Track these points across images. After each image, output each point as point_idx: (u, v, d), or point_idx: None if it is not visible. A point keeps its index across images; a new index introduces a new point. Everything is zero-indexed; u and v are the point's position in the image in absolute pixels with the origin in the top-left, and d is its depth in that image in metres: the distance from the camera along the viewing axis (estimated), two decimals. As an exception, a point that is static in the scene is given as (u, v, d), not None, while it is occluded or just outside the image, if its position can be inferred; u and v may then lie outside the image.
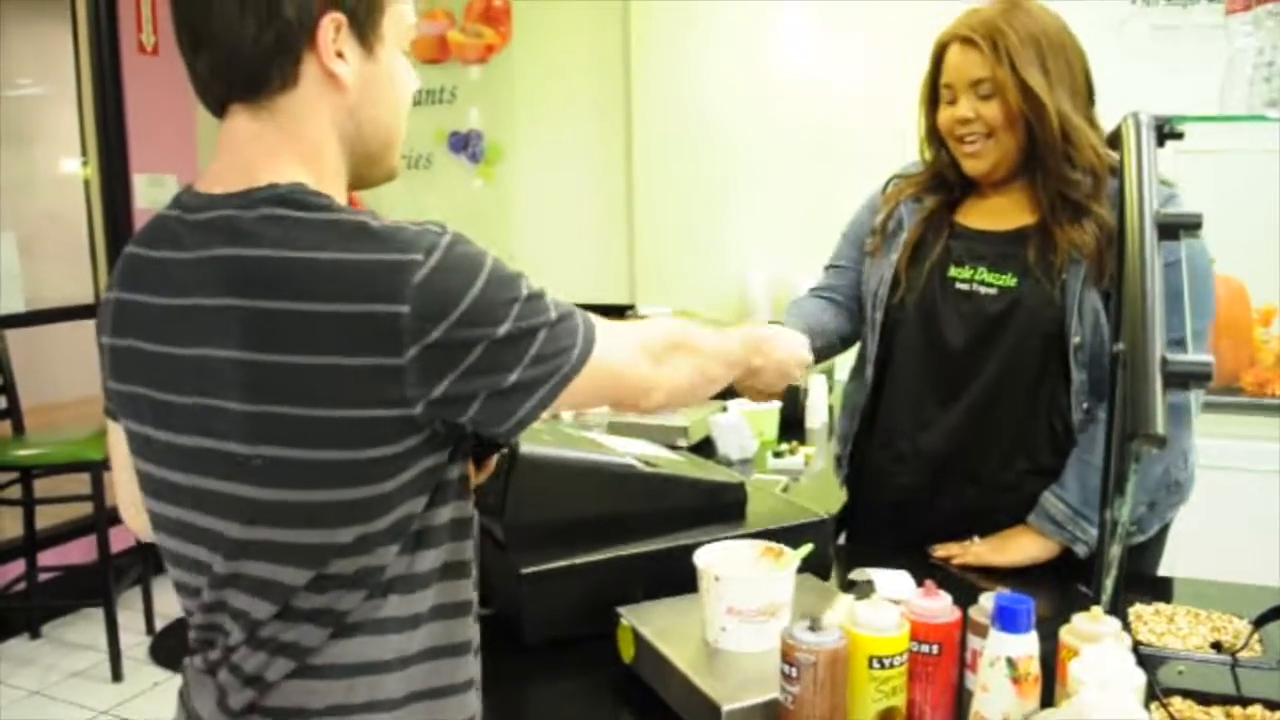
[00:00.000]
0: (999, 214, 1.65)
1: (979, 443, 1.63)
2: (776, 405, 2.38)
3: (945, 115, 1.60)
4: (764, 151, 3.25)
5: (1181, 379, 0.88)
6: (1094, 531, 1.52)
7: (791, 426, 2.50)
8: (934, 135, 1.66)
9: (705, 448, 2.24)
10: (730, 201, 3.33)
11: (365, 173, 0.99)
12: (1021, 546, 1.60)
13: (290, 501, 0.88)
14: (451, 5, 3.55)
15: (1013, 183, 1.62)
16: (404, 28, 0.98)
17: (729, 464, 2.13)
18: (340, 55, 0.91)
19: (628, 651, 1.23)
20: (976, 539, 1.64)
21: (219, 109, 0.94)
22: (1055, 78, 1.51)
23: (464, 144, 3.58)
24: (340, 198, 0.94)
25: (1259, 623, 1.31)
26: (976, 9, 1.58)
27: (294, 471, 0.87)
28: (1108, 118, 1.50)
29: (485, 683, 1.03)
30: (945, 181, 1.69)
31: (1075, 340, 1.53)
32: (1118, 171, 1.50)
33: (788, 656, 1.00)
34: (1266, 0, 1.27)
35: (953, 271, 1.65)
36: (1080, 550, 1.56)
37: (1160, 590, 1.54)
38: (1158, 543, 1.69)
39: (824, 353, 1.77)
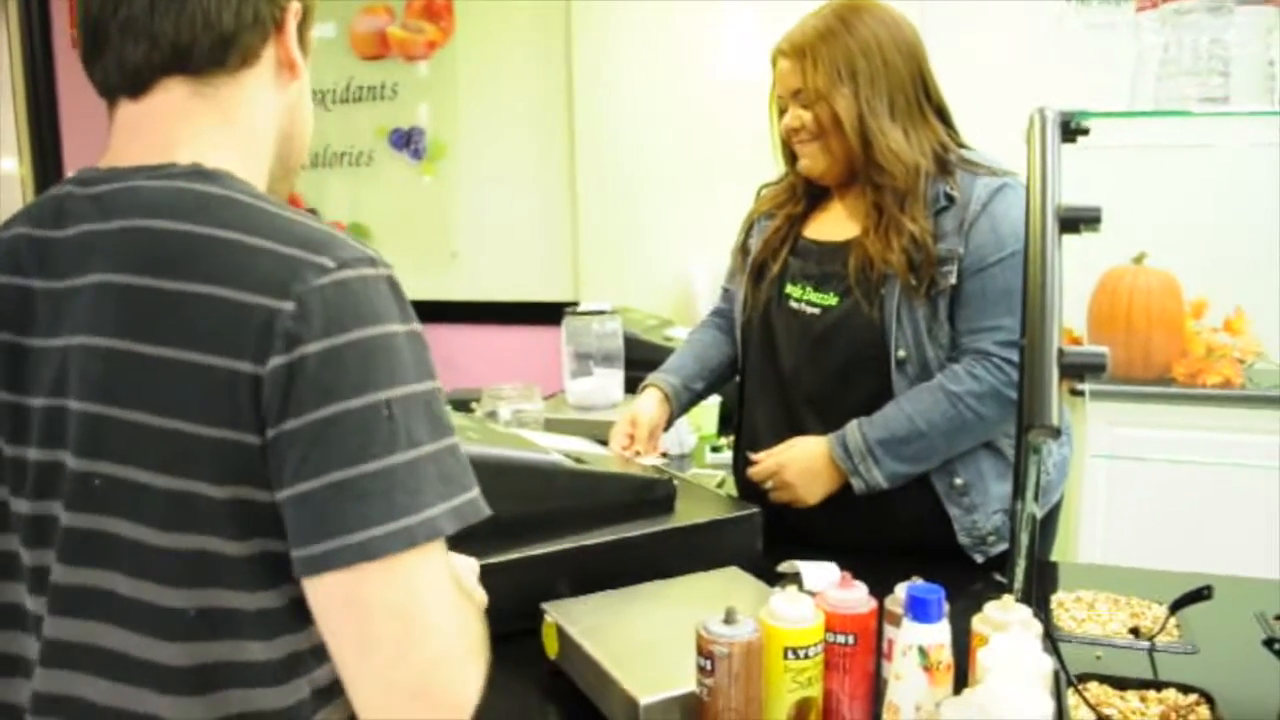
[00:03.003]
0: (836, 223, 1.69)
1: None
2: (716, 400, 2.39)
3: (782, 123, 1.67)
4: (706, 148, 3.25)
5: (1077, 370, 0.90)
6: (878, 473, 1.55)
7: (730, 421, 2.50)
8: (785, 143, 1.72)
9: (644, 443, 2.23)
10: (673, 197, 3.33)
11: (272, 190, 0.91)
12: (805, 450, 1.60)
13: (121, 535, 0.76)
14: (392, 1, 3.52)
15: (854, 185, 1.66)
16: (310, 52, 0.94)
17: (667, 459, 2.13)
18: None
19: (552, 647, 1.23)
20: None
21: (142, 86, 0.84)
22: (865, 85, 1.56)
23: (405, 140, 3.54)
24: None
25: (1175, 607, 1.35)
26: (804, 20, 1.64)
27: (130, 495, 0.75)
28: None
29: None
30: (798, 191, 1.74)
31: (900, 354, 1.56)
32: (937, 175, 1.56)
33: (703, 649, 1.00)
34: (1173, -1, 1.30)
35: (788, 289, 1.69)
36: (857, 485, 1.57)
37: (1092, 576, 1.57)
38: (1046, 530, 1.72)
39: (713, 386, 1.89)
